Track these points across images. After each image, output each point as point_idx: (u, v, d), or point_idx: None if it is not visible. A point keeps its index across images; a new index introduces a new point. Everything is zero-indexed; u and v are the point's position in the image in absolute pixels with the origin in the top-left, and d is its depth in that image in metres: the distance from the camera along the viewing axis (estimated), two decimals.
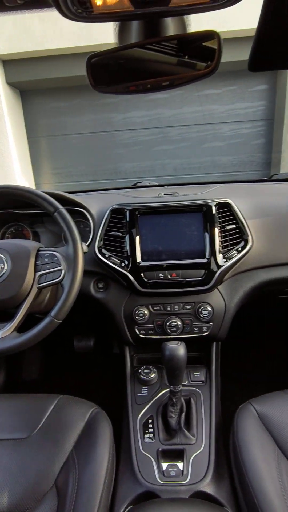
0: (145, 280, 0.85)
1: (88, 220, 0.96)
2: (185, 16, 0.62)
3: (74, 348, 1.52)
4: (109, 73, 0.60)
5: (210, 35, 0.52)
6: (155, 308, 0.89)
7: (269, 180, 1.31)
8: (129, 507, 0.54)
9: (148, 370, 0.92)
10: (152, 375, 0.90)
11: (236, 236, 0.87)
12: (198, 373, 0.92)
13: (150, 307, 0.89)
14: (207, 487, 0.64)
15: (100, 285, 0.94)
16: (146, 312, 0.88)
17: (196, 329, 0.88)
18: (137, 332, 0.90)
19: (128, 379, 0.92)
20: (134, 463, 0.70)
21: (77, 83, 3.33)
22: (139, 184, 1.35)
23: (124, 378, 0.93)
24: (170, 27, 0.59)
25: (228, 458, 0.70)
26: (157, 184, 1.33)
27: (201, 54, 0.54)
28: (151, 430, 0.77)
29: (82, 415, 0.75)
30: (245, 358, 1.46)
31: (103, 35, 3.01)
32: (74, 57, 3.25)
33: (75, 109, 3.66)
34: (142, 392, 0.87)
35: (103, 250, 0.89)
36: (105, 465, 0.63)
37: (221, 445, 0.75)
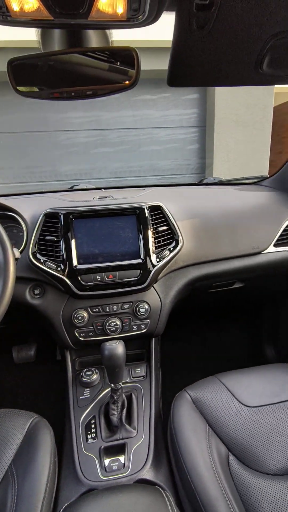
0: (83, 283, 0.86)
1: (20, 224, 0.93)
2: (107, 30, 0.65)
3: (13, 360, 1.44)
4: (32, 78, 0.60)
5: (129, 51, 0.55)
6: (94, 310, 0.90)
7: (199, 184, 1.42)
8: (65, 505, 0.54)
9: (90, 372, 0.92)
10: (94, 377, 0.91)
11: (168, 237, 0.93)
12: (139, 369, 0.96)
13: (89, 309, 0.90)
14: (147, 473, 0.68)
15: (37, 291, 0.91)
16: (85, 315, 0.89)
17: (135, 327, 0.92)
18: (77, 335, 0.90)
19: (70, 383, 0.91)
20: (77, 465, 0.71)
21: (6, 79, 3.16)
22: (75, 187, 1.34)
23: (65, 383, 0.92)
24: (92, 38, 0.62)
25: (166, 443, 0.75)
26: (94, 187, 1.34)
27: (122, 68, 0.57)
28: (93, 430, 0.78)
29: (20, 426, 0.72)
30: (185, 348, 1.56)
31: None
32: (1, 51, 3.06)
33: (5, 106, 3.45)
34: (85, 394, 0.88)
35: (38, 255, 0.87)
36: (46, 473, 0.63)
37: (159, 433, 0.80)
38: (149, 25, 0.56)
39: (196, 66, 0.61)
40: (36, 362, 1.45)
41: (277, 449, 0.67)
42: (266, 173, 3.96)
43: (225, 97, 3.59)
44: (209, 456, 0.63)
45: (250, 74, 0.63)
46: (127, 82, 0.56)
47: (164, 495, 0.45)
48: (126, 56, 0.55)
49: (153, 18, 0.52)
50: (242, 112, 3.68)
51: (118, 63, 0.57)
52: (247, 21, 0.54)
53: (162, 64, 0.59)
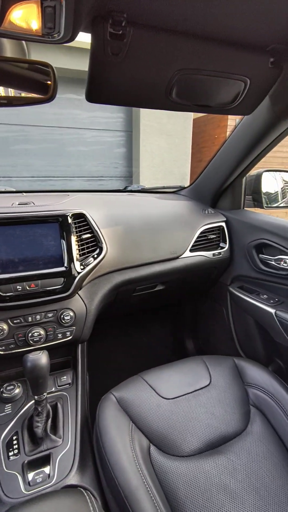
0: (1, 294, 0.82)
1: None
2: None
3: None
4: None
5: (45, 65, 0.56)
6: (15, 321, 0.86)
7: (123, 190, 1.48)
8: None
9: (11, 387, 0.88)
10: (17, 391, 0.87)
11: (92, 244, 0.94)
12: (64, 377, 0.95)
13: (9, 321, 0.85)
14: (73, 479, 0.69)
15: None
16: (5, 327, 0.84)
17: (59, 335, 0.91)
18: None
19: None
20: None
21: None
22: None
23: None
24: (7, 47, 0.60)
25: (92, 446, 0.78)
26: (14, 190, 1.27)
27: (38, 82, 0.57)
28: (15, 446, 0.75)
29: None
30: (113, 351, 1.60)
31: None
32: None
33: None
34: (5, 411, 0.84)
35: None
36: None
37: (86, 437, 0.81)
38: (67, 43, 0.57)
39: (112, 87, 0.65)
40: None
41: (191, 433, 0.76)
42: (187, 179, 4.29)
43: None
44: (131, 450, 0.68)
45: (162, 100, 0.70)
46: (44, 95, 0.57)
47: (86, 494, 0.47)
48: (43, 70, 0.56)
49: (69, 37, 0.54)
50: (165, 121, 3.91)
51: (35, 77, 0.57)
52: (156, 55, 0.60)
53: (87, 64, 0.61)
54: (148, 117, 3.81)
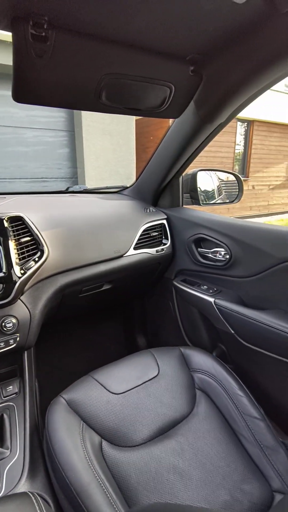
0: None
1: None
2: None
3: None
4: None
5: None
6: None
7: (65, 192, 1.46)
8: None
9: None
10: None
11: (32, 247, 0.92)
12: (10, 387, 0.92)
13: None
14: (23, 487, 0.67)
15: None
16: None
17: (2, 344, 0.87)
18: None
19: None
20: None
21: None
22: None
23: None
24: None
25: (42, 452, 0.76)
26: None
27: None
28: None
29: None
30: (65, 354, 1.57)
31: None
32: None
33: None
34: None
35: None
36: None
37: (36, 444, 0.80)
38: None
39: (39, 87, 0.64)
40: None
41: (141, 423, 0.79)
42: (133, 179, 4.35)
43: None
44: (82, 448, 0.69)
45: (92, 102, 0.71)
46: None
47: (33, 497, 0.47)
48: None
49: None
50: (108, 121, 3.91)
51: None
52: (82, 58, 0.61)
53: None
54: (91, 117, 3.78)
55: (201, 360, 0.97)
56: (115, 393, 0.85)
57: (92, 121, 3.80)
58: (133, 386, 0.88)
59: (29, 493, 0.47)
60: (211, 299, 1.05)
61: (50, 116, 3.76)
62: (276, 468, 0.70)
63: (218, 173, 1.54)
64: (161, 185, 1.28)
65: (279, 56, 0.62)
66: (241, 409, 0.81)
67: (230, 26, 0.59)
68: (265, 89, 0.76)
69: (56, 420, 0.75)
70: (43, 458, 0.75)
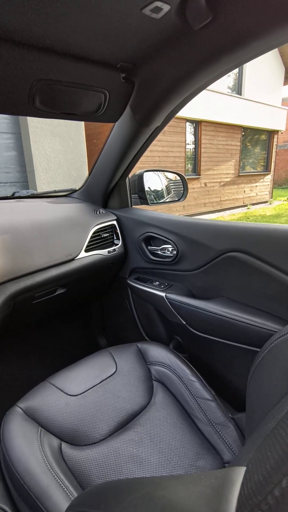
0: None
1: None
2: None
3: None
4: None
5: None
6: None
7: (11, 197, 1.41)
8: None
9: None
10: None
11: None
12: None
13: None
14: None
15: None
16: None
17: None
18: None
19: None
20: None
21: None
22: None
23: None
24: None
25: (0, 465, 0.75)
26: None
27: None
28: None
29: None
30: (25, 363, 1.52)
31: None
32: None
33: None
34: None
35: None
36: None
37: None
38: None
39: None
40: None
41: (101, 420, 0.81)
42: None
43: None
44: (41, 453, 0.69)
45: (25, 107, 0.71)
46: None
47: None
48: None
49: None
50: (55, 123, 3.83)
51: None
52: (10, 65, 0.61)
53: None
54: (37, 119, 3.67)
55: (156, 352, 1.02)
56: (73, 395, 0.86)
57: (38, 123, 3.69)
58: (91, 386, 0.90)
59: None
60: (163, 294, 1.10)
61: None
62: (226, 442, 0.77)
63: (165, 173, 1.60)
64: (109, 187, 1.30)
65: (199, 67, 0.68)
66: (194, 393, 0.86)
67: (152, 38, 0.64)
68: (193, 94, 0.83)
69: (12, 430, 0.74)
70: (0, 469, 0.73)
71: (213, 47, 0.64)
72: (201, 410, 0.83)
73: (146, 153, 1.18)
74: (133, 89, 0.80)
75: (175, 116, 0.96)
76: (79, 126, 4.10)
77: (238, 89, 8.91)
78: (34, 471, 0.64)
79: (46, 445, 0.72)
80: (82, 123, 4.15)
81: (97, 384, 0.90)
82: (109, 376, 0.93)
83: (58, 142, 3.92)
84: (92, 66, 0.69)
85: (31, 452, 0.68)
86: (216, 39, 0.61)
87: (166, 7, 0.51)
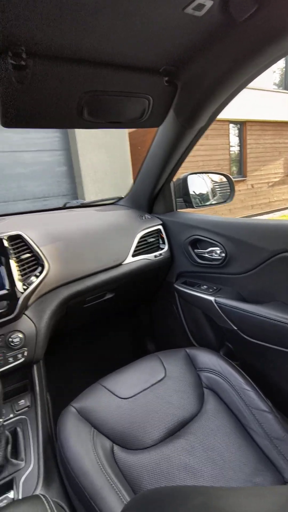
0: None
1: None
2: None
3: None
4: None
5: None
6: None
7: (63, 208, 1.50)
8: None
9: None
10: None
11: (33, 263, 0.96)
12: (22, 401, 0.94)
13: None
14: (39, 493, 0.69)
15: None
16: None
17: (10, 359, 0.90)
18: None
19: None
20: None
21: None
22: None
23: None
24: None
25: (56, 460, 0.78)
26: None
27: None
28: None
29: None
30: (76, 366, 1.58)
31: None
32: None
33: None
34: None
35: None
36: None
37: (50, 454, 0.81)
38: None
39: (24, 111, 0.69)
40: None
41: (151, 425, 0.80)
42: None
43: None
44: (94, 454, 0.70)
45: (75, 120, 0.76)
46: None
47: (44, 499, 0.48)
48: None
49: None
50: (101, 136, 4.01)
51: None
52: (61, 81, 0.66)
53: None
54: (84, 134, 3.88)
55: (206, 359, 0.98)
56: (123, 398, 0.87)
57: (86, 137, 3.90)
58: (141, 390, 0.89)
59: (41, 495, 0.49)
60: (212, 298, 1.07)
61: (46, 137, 3.87)
62: (287, 459, 0.71)
63: (210, 175, 1.57)
64: (153, 192, 1.31)
65: (244, 61, 0.66)
66: (248, 404, 0.81)
67: (195, 37, 0.63)
68: (238, 90, 0.80)
69: (67, 429, 0.77)
70: (57, 468, 0.76)
71: (258, 38, 0.61)
72: (256, 422, 0.78)
73: (189, 157, 1.17)
74: (176, 91, 0.80)
75: (218, 119, 0.94)
76: (123, 137, 4.24)
77: (285, 84, 8.45)
78: (88, 471, 0.65)
79: (99, 446, 0.73)
80: (126, 133, 4.28)
81: (147, 388, 0.90)
82: (158, 381, 0.92)
83: (104, 153, 4.10)
84: (135, 73, 0.71)
85: (85, 451, 0.70)
86: (262, 29, 0.59)
87: (209, 3, 0.50)
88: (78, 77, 0.66)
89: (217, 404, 0.86)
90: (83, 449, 0.70)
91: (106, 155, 4.15)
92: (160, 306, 1.50)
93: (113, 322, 1.71)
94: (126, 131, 4.29)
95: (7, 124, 0.72)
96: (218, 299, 1.04)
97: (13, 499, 0.68)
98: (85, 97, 0.71)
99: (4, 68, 0.59)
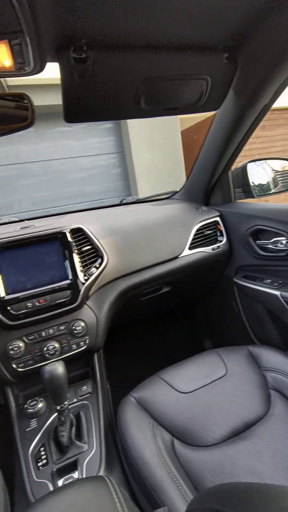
0: (13, 313, 0.86)
1: None
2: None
3: None
4: None
5: (22, 96, 0.63)
6: (29, 338, 0.90)
7: (120, 204, 1.54)
8: None
9: (34, 402, 0.91)
10: (40, 405, 0.90)
11: (93, 255, 0.99)
12: (85, 387, 0.97)
13: (24, 338, 0.89)
14: None
15: None
16: (21, 344, 0.88)
17: (74, 346, 0.94)
18: (15, 367, 0.88)
19: (14, 417, 0.88)
20: (29, 494, 0.69)
21: None
22: None
23: (9, 420, 0.89)
24: None
25: (116, 447, 0.79)
26: (16, 220, 1.34)
27: (18, 111, 0.64)
28: (43, 457, 0.77)
29: None
30: (131, 358, 1.61)
31: None
32: None
33: None
34: (31, 425, 0.86)
35: None
36: None
37: (111, 441, 0.83)
38: (39, 73, 0.65)
39: (84, 105, 0.71)
40: None
41: (213, 422, 0.76)
42: None
43: (137, 124, 3.91)
44: (154, 445, 0.69)
45: (132, 110, 0.76)
46: (24, 122, 0.63)
47: (108, 480, 0.48)
48: (21, 101, 0.63)
49: (39, 68, 0.61)
50: (154, 136, 4.04)
51: (14, 107, 0.64)
52: (120, 70, 0.66)
53: None
54: (139, 135, 3.96)
55: (272, 358, 0.90)
56: (183, 392, 0.84)
57: (140, 139, 3.97)
58: (201, 385, 0.86)
59: (105, 477, 0.49)
60: (277, 293, 0.98)
61: (101, 142, 4.05)
62: None
63: (271, 164, 1.45)
64: (210, 183, 1.26)
65: None
66: None
67: (256, 8, 0.58)
68: None
69: (128, 417, 0.77)
70: (118, 454, 0.77)
71: None
72: None
73: (244, 151, 1.09)
74: (236, 69, 0.75)
75: (275, 107, 0.86)
76: (175, 135, 4.21)
77: None
78: (149, 461, 0.64)
79: (158, 437, 0.72)
80: (179, 132, 4.25)
81: (207, 384, 0.86)
82: (219, 378, 0.88)
83: (157, 153, 4.13)
84: (193, 53, 0.68)
85: (145, 441, 0.69)
86: None
87: None
88: (136, 64, 0.66)
89: (286, 407, 0.78)
90: (143, 438, 0.70)
91: (159, 155, 4.17)
92: (218, 301, 1.43)
93: (169, 317, 1.70)
94: (178, 130, 4.26)
95: (69, 120, 0.75)
96: (285, 294, 0.95)
97: (77, 479, 0.71)
98: (143, 85, 0.70)
99: (66, 63, 0.62)
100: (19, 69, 0.60)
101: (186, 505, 0.58)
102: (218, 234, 1.25)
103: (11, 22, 0.47)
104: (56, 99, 3.32)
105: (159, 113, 0.80)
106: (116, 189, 4.28)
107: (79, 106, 0.72)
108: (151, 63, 0.67)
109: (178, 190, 1.54)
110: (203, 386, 0.86)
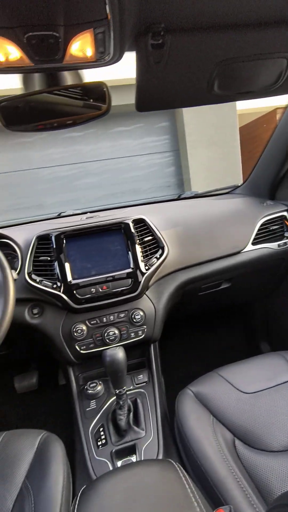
0: (78, 297, 0.91)
1: (15, 251, 0.98)
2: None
3: (16, 390, 1.43)
4: (18, 114, 0.69)
5: (100, 85, 0.66)
6: (92, 322, 0.94)
7: (178, 199, 1.53)
8: (82, 488, 0.55)
9: (94, 384, 0.94)
10: (99, 388, 0.93)
11: (154, 245, 1.00)
12: (141, 376, 0.99)
13: (87, 322, 0.94)
14: None
15: (35, 311, 0.95)
16: (84, 327, 0.93)
17: (132, 334, 0.96)
18: (78, 348, 0.93)
19: (75, 397, 0.93)
20: (90, 469, 0.72)
21: None
22: (63, 215, 1.42)
23: (71, 398, 0.93)
24: (68, 77, 0.72)
25: (174, 438, 0.77)
26: (80, 212, 1.42)
27: (95, 99, 0.67)
28: (103, 436, 0.79)
29: (30, 443, 0.73)
30: (185, 353, 1.58)
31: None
32: None
33: None
34: (91, 406, 0.90)
35: (34, 276, 0.92)
36: (61, 483, 0.64)
37: (167, 431, 0.82)
38: (115, 63, 0.66)
39: (157, 93, 0.71)
40: (39, 390, 1.44)
41: (278, 427, 0.71)
42: None
43: (194, 121, 3.86)
44: (215, 441, 0.67)
45: (204, 95, 0.74)
46: (100, 111, 0.66)
47: (176, 464, 0.47)
48: (99, 90, 0.65)
49: (117, 57, 0.62)
50: (211, 133, 3.94)
51: (92, 96, 0.67)
52: (195, 54, 0.65)
53: (131, 98, 0.70)
54: (195, 133, 3.90)
55: None
56: (245, 392, 0.80)
57: (196, 136, 3.91)
58: (265, 388, 0.81)
59: (172, 461, 0.49)
60: None
61: (157, 140, 4.08)
62: None
63: None
64: (277, 176, 1.18)
65: None
66: None
67: None
68: None
69: (187, 409, 0.76)
70: (175, 444, 0.76)
71: None
72: None
73: None
74: None
75: None
76: (233, 132, 4.06)
77: None
78: (211, 457, 0.62)
79: (219, 434, 0.69)
80: (237, 129, 4.09)
81: (271, 387, 0.80)
82: (285, 382, 0.81)
83: (213, 151, 4.02)
84: (272, 29, 0.64)
85: (205, 436, 0.67)
86: None
87: None
88: (213, 46, 0.64)
89: None
90: (203, 433, 0.68)
91: (216, 152, 4.06)
92: (281, 301, 1.34)
93: (226, 315, 1.64)
94: (237, 127, 4.09)
95: (141, 108, 0.76)
96: None
97: (143, 460, 0.72)
98: (218, 68, 0.68)
99: (143, 49, 0.62)
100: (100, 59, 0.62)
101: (250, 507, 0.55)
102: (285, 230, 1.16)
103: (98, 9, 0.49)
104: (114, 100, 3.43)
105: (232, 97, 0.77)
106: (169, 187, 4.29)
107: (152, 94, 0.73)
108: (228, 44, 0.65)
109: (239, 185, 1.47)
110: (267, 389, 0.80)
